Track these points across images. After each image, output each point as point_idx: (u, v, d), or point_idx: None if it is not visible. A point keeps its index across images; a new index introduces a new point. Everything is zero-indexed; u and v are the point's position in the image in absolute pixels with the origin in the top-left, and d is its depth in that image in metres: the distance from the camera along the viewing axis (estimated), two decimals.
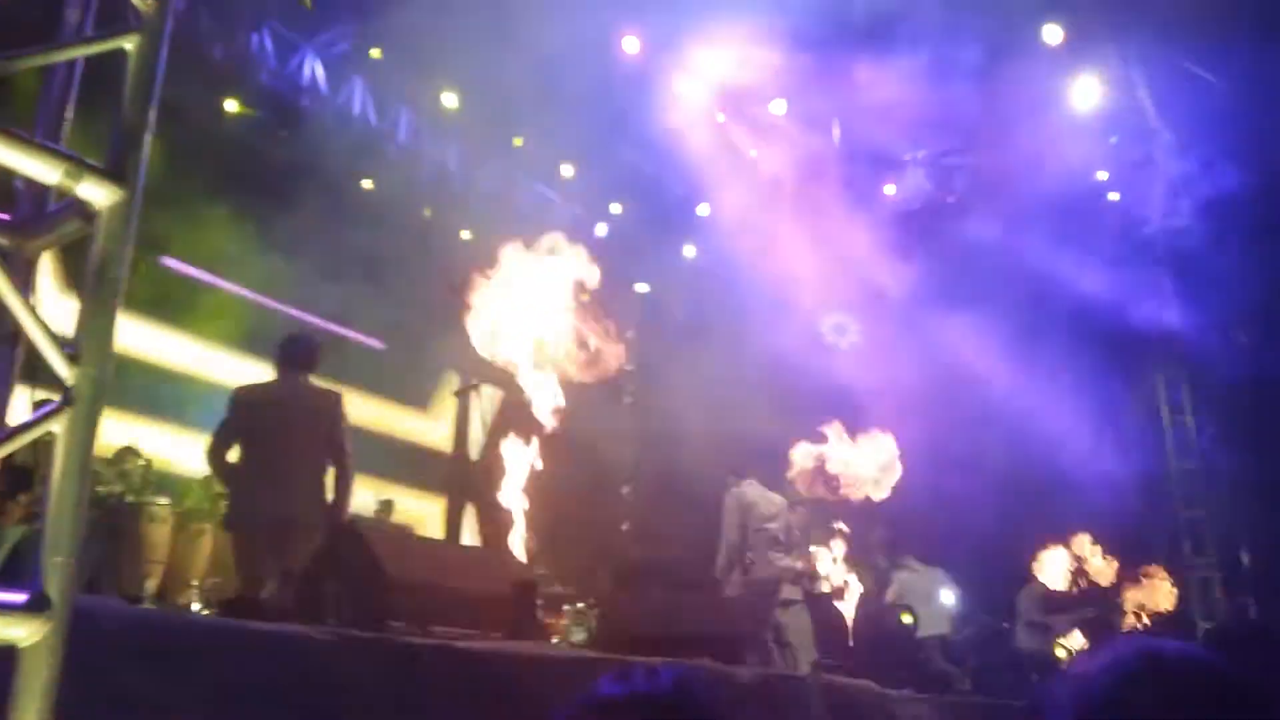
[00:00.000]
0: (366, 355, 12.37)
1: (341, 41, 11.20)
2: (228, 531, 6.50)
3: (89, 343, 2.51)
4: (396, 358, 12.59)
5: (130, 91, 2.68)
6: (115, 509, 9.30)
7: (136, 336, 10.36)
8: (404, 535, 9.51)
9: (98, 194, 2.57)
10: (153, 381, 10.72)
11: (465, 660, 4.62)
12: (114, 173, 2.59)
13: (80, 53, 2.72)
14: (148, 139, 2.68)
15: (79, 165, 2.52)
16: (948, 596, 10.46)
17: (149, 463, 10.02)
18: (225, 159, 10.71)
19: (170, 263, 10.87)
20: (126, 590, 8.52)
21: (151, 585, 9.00)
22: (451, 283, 8.03)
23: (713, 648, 6.64)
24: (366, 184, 11.90)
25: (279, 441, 6.21)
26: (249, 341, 10.70)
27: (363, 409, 12.12)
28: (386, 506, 11.46)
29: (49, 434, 2.45)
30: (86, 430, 2.48)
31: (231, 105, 10.93)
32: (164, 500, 9.43)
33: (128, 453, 9.79)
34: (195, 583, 8.38)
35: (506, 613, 5.52)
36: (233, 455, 6.29)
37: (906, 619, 9.56)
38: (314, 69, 11.15)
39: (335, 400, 6.50)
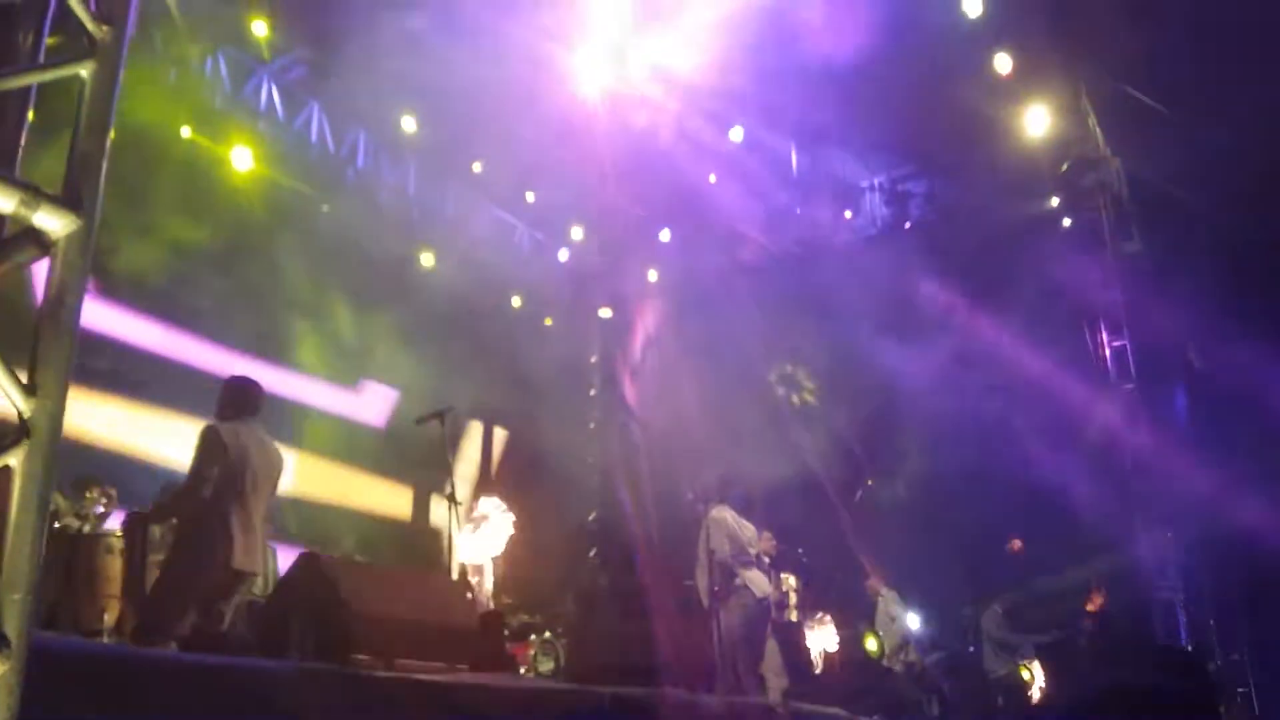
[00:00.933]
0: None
1: (298, 66, 11.14)
2: (189, 570, 6.07)
3: (46, 375, 2.45)
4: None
5: (86, 119, 2.64)
6: (72, 541, 9.09)
7: None
8: (367, 567, 9.36)
9: (54, 223, 2.53)
10: None
11: (431, 693, 4.56)
12: (70, 201, 2.55)
13: (35, 79, 2.67)
14: (104, 167, 2.65)
15: (35, 194, 2.48)
16: (911, 620, 10.50)
17: (110, 495, 9.77)
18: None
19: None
20: (84, 625, 8.31)
21: (110, 619, 8.79)
22: None
23: (680, 676, 6.61)
24: (325, 208, 11.83)
25: (253, 491, 6.01)
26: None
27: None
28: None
29: (6, 466, 2.39)
30: (44, 464, 2.42)
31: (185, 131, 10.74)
32: (119, 533, 9.21)
33: (88, 483, 9.56)
34: None
35: (473, 644, 5.45)
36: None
37: (871, 644, 9.57)
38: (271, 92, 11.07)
39: (280, 455, 6.34)
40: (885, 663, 10.10)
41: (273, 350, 11.29)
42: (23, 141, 2.86)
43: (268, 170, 11.16)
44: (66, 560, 8.95)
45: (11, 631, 2.28)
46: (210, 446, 5.89)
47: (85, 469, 9.54)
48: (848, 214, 13.04)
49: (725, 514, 8.62)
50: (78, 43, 2.71)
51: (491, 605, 8.49)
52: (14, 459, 2.37)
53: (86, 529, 9.30)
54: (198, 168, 10.77)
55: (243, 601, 5.64)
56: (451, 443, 6.92)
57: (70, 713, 3.36)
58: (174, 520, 6.31)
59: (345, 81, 10.97)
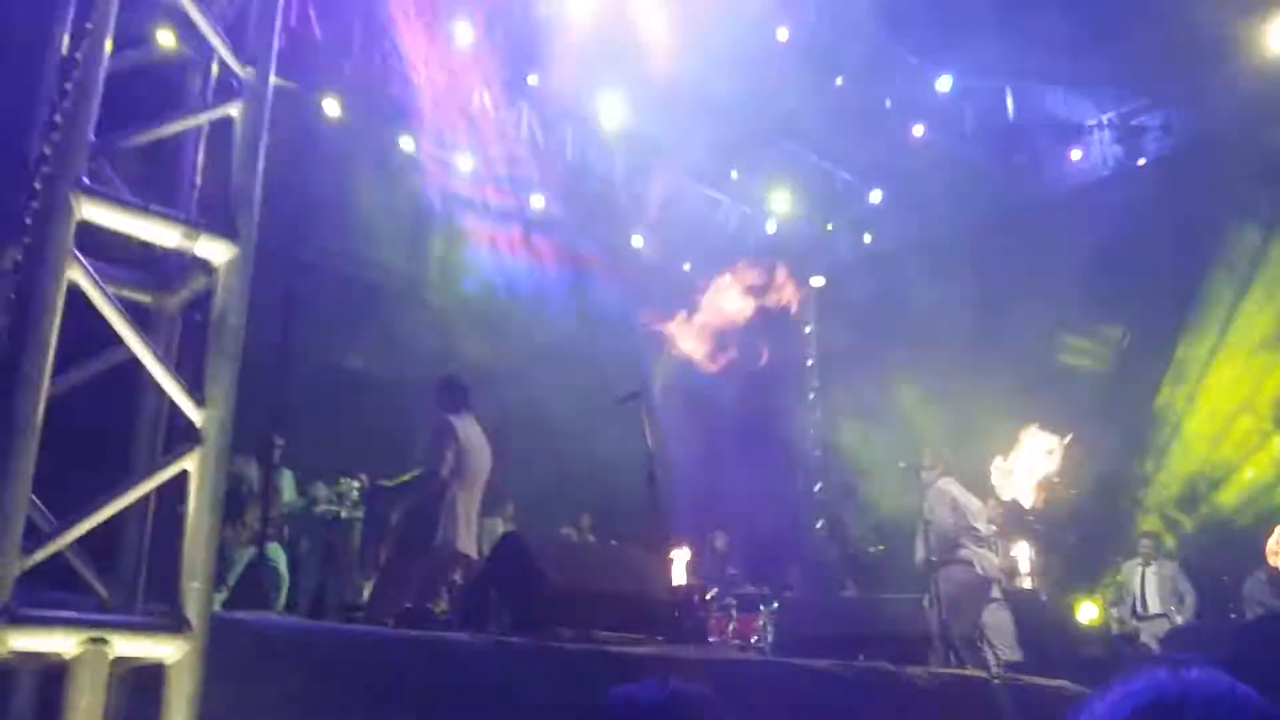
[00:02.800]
0: None
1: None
2: (417, 551, 6.50)
3: (214, 389, 2.77)
4: None
5: (239, 153, 2.94)
6: (330, 525, 10.02)
7: None
8: (568, 542, 9.74)
9: (215, 251, 2.84)
10: None
11: (623, 663, 4.73)
12: (227, 231, 2.85)
13: (192, 123, 2.99)
14: (257, 197, 2.93)
15: (194, 226, 2.79)
16: (1186, 590, 9.85)
17: (362, 484, 10.61)
18: None
19: None
20: (347, 599, 9.19)
21: (367, 593, 9.66)
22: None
23: (891, 649, 6.49)
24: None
25: (474, 481, 6.46)
26: None
27: None
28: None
29: (183, 470, 2.72)
30: (215, 467, 2.73)
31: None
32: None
33: (343, 472, 10.45)
34: None
35: (671, 616, 5.59)
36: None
37: (1085, 612, 9.04)
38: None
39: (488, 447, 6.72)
40: (1131, 633, 9.49)
41: None
42: (198, 180, 3.22)
43: None
44: (327, 542, 9.93)
45: (193, 615, 2.61)
46: (446, 434, 6.34)
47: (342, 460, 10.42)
48: (1076, 154, 12.17)
49: (950, 485, 8.36)
50: (228, 85, 3.02)
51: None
52: (190, 464, 2.70)
53: (344, 514, 10.23)
54: None
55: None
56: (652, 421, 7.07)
57: (286, 686, 3.75)
58: (407, 502, 6.72)
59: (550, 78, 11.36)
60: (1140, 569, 10.00)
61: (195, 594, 2.63)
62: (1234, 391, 10.98)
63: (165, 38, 3.82)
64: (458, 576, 6.11)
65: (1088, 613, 9.73)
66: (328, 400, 10.49)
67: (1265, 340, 10.86)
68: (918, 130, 11.80)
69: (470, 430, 6.54)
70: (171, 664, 2.59)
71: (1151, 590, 9.95)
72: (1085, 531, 10.56)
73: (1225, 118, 10.49)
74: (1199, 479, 11.04)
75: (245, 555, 8.55)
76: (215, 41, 2.98)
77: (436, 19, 10.44)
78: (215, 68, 3.28)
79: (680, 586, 5.81)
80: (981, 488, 8.76)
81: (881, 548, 11.34)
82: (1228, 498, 10.88)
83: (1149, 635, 9.52)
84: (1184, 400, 11.25)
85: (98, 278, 2.60)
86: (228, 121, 3.00)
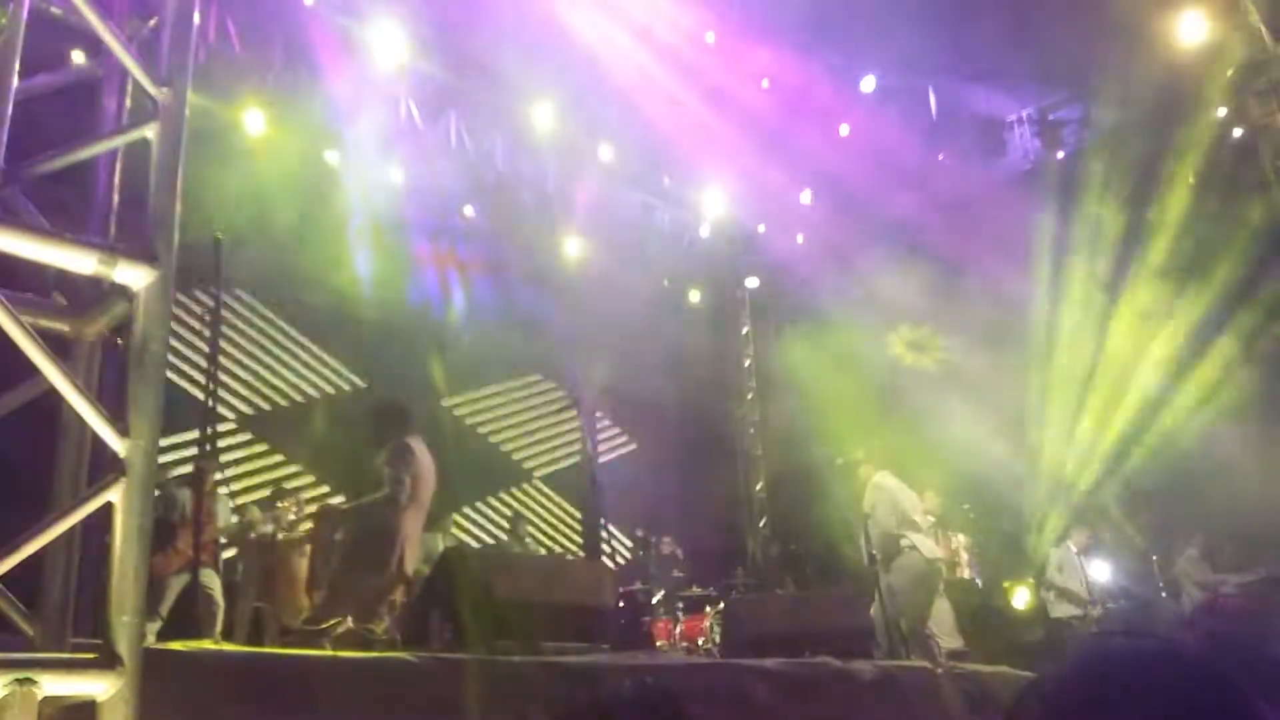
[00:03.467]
0: None
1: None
2: (364, 573, 6.39)
3: (137, 417, 2.70)
4: None
5: (156, 175, 2.87)
6: (269, 547, 9.83)
7: None
8: (508, 555, 9.68)
9: (134, 276, 2.77)
10: None
11: (567, 674, 4.71)
12: (146, 255, 2.79)
13: (106, 146, 2.93)
14: (176, 220, 2.87)
15: (112, 252, 2.72)
16: (1098, 570, 10.03)
17: (301, 504, 10.41)
18: None
19: None
20: (285, 622, 9.02)
21: (304, 616, 9.49)
22: None
23: (836, 644, 6.58)
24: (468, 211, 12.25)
25: (426, 502, 6.41)
26: None
27: None
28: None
29: (108, 502, 2.65)
30: (141, 497, 2.67)
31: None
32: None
33: (280, 493, 10.26)
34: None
35: (614, 624, 5.60)
36: None
37: (1019, 597, 9.24)
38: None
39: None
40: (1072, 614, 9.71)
41: None
42: (115, 204, 3.15)
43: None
44: (265, 565, 9.74)
45: (124, 651, 2.55)
46: (405, 456, 6.27)
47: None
48: (998, 150, 12.46)
49: (887, 479, 8.47)
50: (143, 107, 2.96)
51: None
52: (115, 494, 2.63)
53: (281, 535, 10.03)
54: None
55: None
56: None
57: (228, 716, 3.68)
58: (361, 523, 6.58)
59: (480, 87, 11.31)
60: (1067, 552, 10.20)
61: (125, 628, 2.56)
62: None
63: (78, 59, 3.74)
64: (398, 596, 6.04)
65: (1022, 598, 9.95)
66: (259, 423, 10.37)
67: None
68: (844, 130, 11.97)
69: (421, 451, 6.49)
70: (103, 701, 2.52)
71: (1079, 573, 10.17)
72: (1016, 519, 10.82)
73: (1139, 109, 10.81)
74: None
75: (178, 583, 8.37)
76: (129, 62, 2.91)
77: (359, 29, 10.33)
78: (130, 88, 3.21)
79: (624, 592, 5.79)
80: (918, 479, 8.91)
81: (793, 547, 11.52)
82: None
83: (1083, 617, 9.75)
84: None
85: (11, 308, 2.53)
86: (144, 143, 2.94)
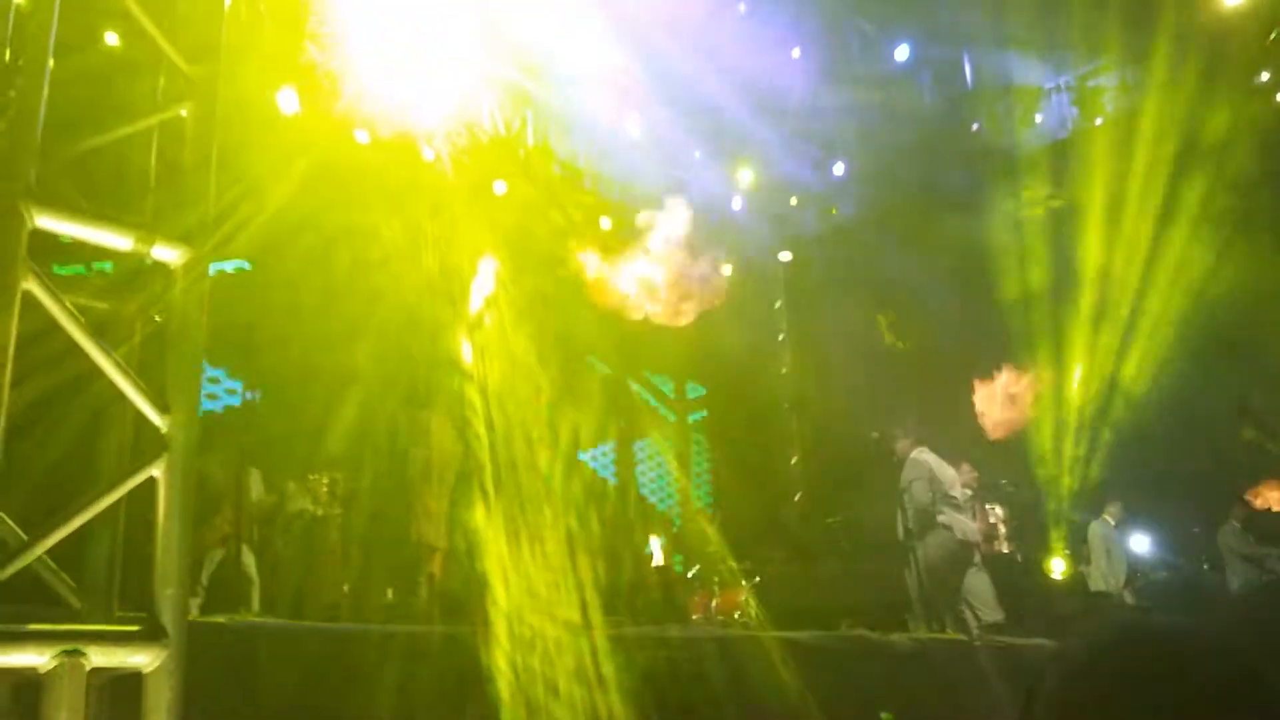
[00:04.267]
0: None
1: None
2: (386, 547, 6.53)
3: (177, 394, 2.73)
4: None
5: (189, 154, 2.89)
6: (305, 524, 9.92)
7: None
8: None
9: (171, 255, 2.80)
10: None
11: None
12: (182, 233, 2.81)
13: (142, 125, 2.94)
14: (212, 197, 2.89)
15: (149, 231, 2.75)
16: (1138, 543, 9.95)
17: (335, 480, 10.49)
18: None
19: None
20: (326, 598, 9.13)
21: (348, 589, 9.58)
22: None
23: (870, 617, 6.57)
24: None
25: (439, 476, 6.47)
26: None
27: None
28: None
29: (151, 478, 2.69)
30: (183, 472, 2.71)
31: None
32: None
33: (312, 469, 10.34)
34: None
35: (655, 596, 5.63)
36: None
37: (1055, 566, 9.19)
38: None
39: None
40: (1108, 589, 9.63)
41: None
42: (151, 183, 3.17)
43: None
44: (302, 541, 9.84)
45: (168, 623, 2.59)
46: (418, 430, 6.36)
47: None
48: (1038, 119, 12.25)
49: (925, 455, 8.43)
50: (176, 85, 2.97)
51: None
52: (157, 470, 2.67)
53: (320, 512, 10.12)
54: None
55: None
56: None
57: (275, 684, 3.74)
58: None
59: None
60: (1104, 526, 10.10)
61: (169, 601, 2.61)
62: None
63: (111, 40, 3.76)
64: (435, 568, 6.11)
65: (1058, 568, 9.87)
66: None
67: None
68: (878, 100, 11.81)
69: (441, 426, 6.56)
70: (149, 672, 2.57)
71: (1118, 546, 10.07)
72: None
73: (1179, 75, 10.57)
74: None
75: (215, 558, 8.48)
76: (161, 41, 2.93)
77: None
78: (163, 67, 3.22)
79: (661, 567, 5.81)
80: (956, 454, 8.86)
81: (833, 519, 11.46)
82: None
83: (1122, 591, 9.67)
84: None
85: (53, 287, 2.56)
86: (179, 122, 2.96)
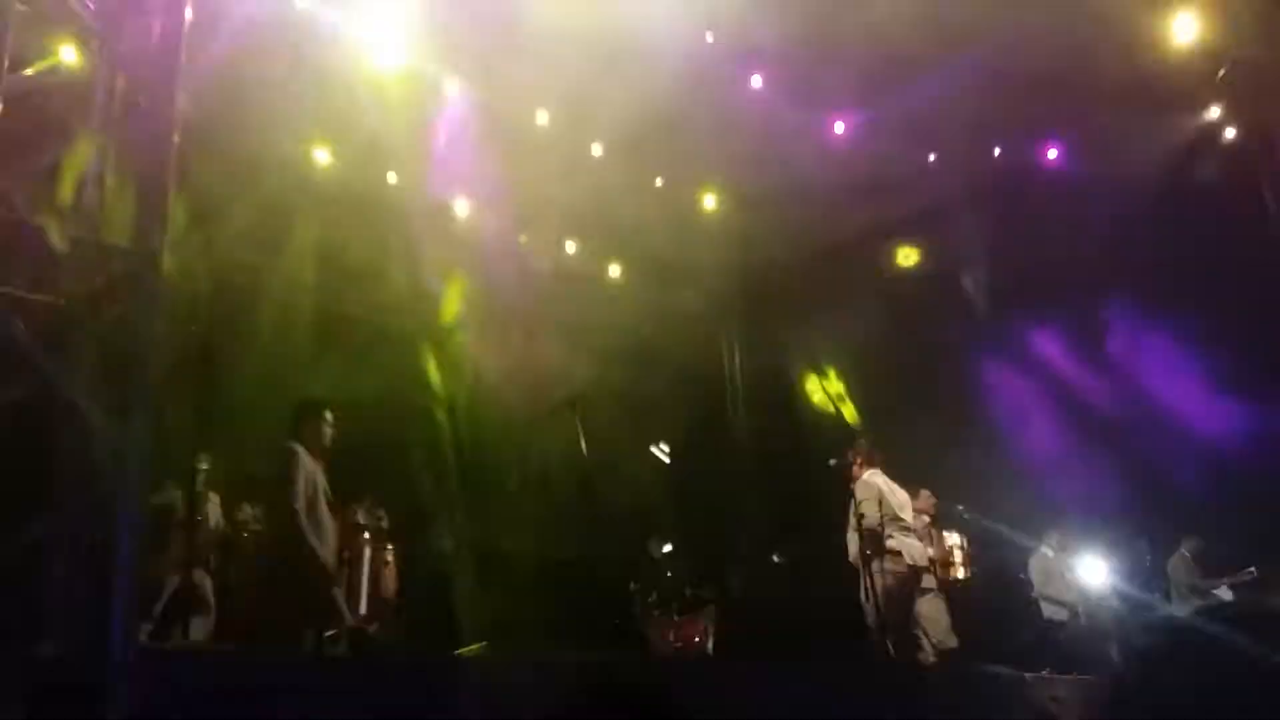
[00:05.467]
0: None
1: None
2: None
3: (133, 403, 2.69)
4: None
5: (143, 163, 2.87)
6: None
7: None
8: None
9: (126, 262, 2.77)
10: None
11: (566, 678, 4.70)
12: (136, 238, 2.78)
13: (99, 136, 2.91)
14: (167, 205, 2.87)
15: (105, 238, 2.72)
16: (1091, 570, 10.03)
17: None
18: None
19: None
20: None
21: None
22: None
23: (828, 643, 6.59)
24: None
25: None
26: None
27: None
28: None
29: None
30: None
31: None
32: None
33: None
34: None
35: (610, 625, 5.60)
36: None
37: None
38: None
39: None
40: (1062, 616, 9.73)
41: None
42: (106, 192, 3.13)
43: None
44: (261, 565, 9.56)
45: None
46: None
47: None
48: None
49: (877, 478, 8.47)
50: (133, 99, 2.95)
51: None
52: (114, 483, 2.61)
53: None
54: None
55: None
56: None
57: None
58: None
59: None
60: (1043, 557, 10.17)
61: None
62: None
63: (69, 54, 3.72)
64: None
65: (1019, 598, 9.94)
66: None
67: None
68: (838, 128, 11.86)
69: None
70: None
71: (1059, 577, 10.14)
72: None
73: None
74: None
75: (172, 583, 8.29)
76: (116, 59, 2.91)
77: None
78: (120, 81, 3.20)
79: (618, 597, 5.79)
80: (913, 479, 8.92)
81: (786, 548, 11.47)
82: None
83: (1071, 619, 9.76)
84: None
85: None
86: (135, 133, 2.94)
